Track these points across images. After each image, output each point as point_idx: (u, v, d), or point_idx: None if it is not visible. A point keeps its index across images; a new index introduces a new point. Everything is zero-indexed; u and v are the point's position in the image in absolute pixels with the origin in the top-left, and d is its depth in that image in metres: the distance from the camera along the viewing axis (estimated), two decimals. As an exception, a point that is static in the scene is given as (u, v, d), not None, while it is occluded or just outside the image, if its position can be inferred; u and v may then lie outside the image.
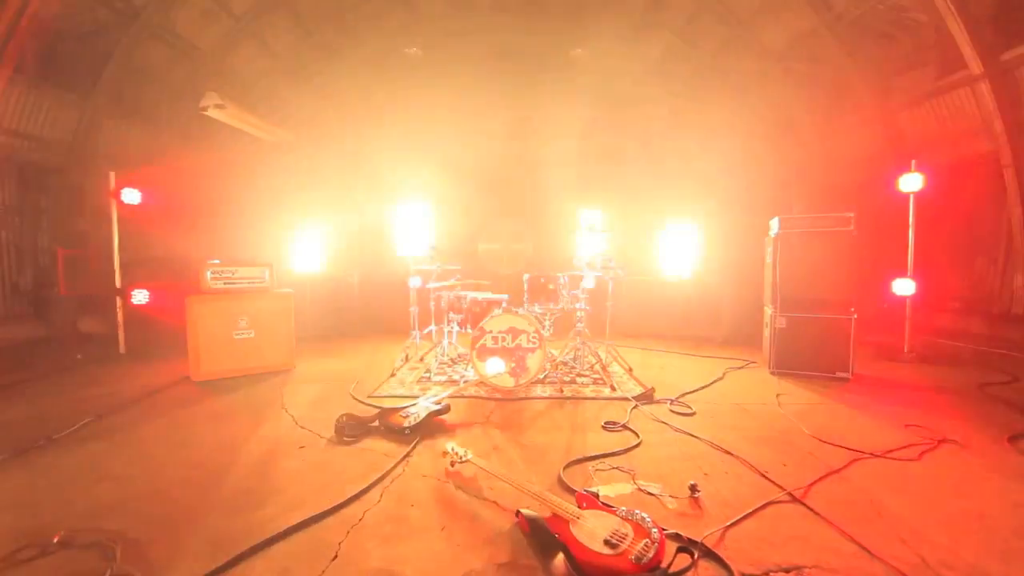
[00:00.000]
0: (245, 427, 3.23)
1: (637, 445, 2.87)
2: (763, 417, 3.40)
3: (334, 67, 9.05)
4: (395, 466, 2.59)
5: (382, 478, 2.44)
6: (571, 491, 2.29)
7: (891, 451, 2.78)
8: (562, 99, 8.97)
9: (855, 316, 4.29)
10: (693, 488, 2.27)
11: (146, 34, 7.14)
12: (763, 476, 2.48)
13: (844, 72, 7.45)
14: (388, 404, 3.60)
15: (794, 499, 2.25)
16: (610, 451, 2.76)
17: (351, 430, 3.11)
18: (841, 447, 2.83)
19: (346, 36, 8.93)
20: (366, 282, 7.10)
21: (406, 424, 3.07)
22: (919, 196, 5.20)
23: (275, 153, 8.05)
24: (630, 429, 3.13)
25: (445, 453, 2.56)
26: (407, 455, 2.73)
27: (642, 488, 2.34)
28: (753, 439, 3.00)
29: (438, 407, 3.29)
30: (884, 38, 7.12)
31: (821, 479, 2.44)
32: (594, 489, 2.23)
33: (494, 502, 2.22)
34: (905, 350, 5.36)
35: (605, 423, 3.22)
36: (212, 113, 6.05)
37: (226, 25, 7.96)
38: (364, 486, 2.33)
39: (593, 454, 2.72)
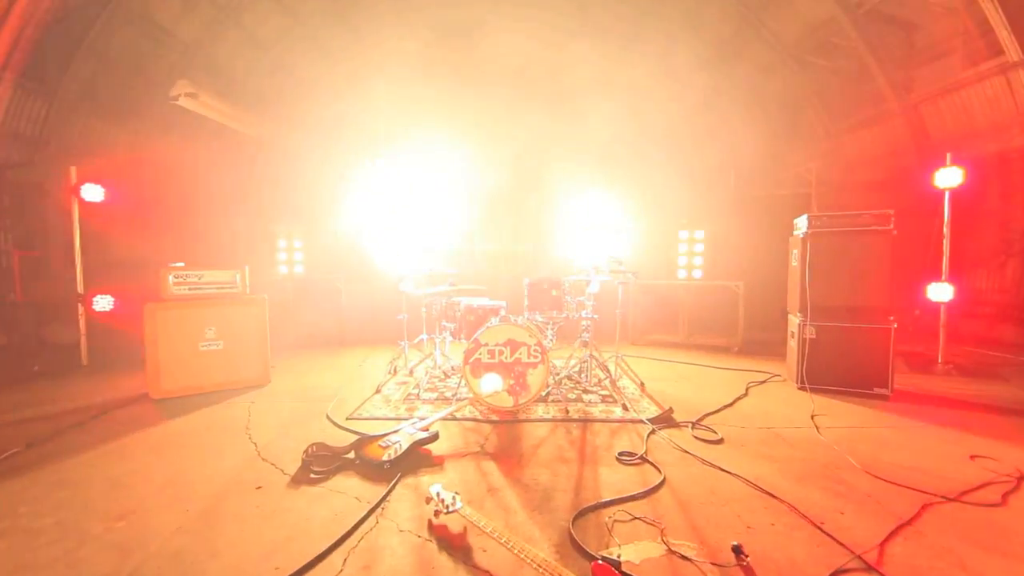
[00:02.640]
0: (198, 459, 2.76)
1: (660, 485, 2.40)
2: (801, 445, 2.93)
3: (324, 61, 8.61)
4: (367, 515, 2.11)
5: (348, 534, 1.96)
6: (585, 554, 1.83)
7: (966, 492, 2.31)
8: (565, 94, 8.54)
9: (895, 325, 3.83)
10: (738, 551, 1.80)
11: (120, 21, 6.69)
12: (819, 529, 2.01)
13: (863, 63, 7.01)
14: (369, 428, 3.14)
15: (868, 567, 1.78)
16: (629, 494, 2.29)
17: (321, 464, 2.64)
18: (904, 487, 2.37)
19: (338, 28, 8.49)
20: (354, 286, 6.63)
21: (385, 457, 2.60)
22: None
23: (258, 149, 7.59)
24: (649, 462, 2.66)
25: (429, 499, 2.09)
26: (383, 499, 2.26)
27: (674, 549, 1.87)
28: (795, 475, 2.53)
29: (424, 435, 2.82)
30: (906, 26, 6.70)
31: (892, 535, 1.97)
32: (614, 553, 1.77)
33: (487, 572, 1.75)
34: (939, 361, 4.92)
35: (620, 454, 2.75)
36: (184, 103, 5.59)
37: (208, 14, 7.51)
38: (324, 547, 1.85)
39: (609, 499, 2.24)
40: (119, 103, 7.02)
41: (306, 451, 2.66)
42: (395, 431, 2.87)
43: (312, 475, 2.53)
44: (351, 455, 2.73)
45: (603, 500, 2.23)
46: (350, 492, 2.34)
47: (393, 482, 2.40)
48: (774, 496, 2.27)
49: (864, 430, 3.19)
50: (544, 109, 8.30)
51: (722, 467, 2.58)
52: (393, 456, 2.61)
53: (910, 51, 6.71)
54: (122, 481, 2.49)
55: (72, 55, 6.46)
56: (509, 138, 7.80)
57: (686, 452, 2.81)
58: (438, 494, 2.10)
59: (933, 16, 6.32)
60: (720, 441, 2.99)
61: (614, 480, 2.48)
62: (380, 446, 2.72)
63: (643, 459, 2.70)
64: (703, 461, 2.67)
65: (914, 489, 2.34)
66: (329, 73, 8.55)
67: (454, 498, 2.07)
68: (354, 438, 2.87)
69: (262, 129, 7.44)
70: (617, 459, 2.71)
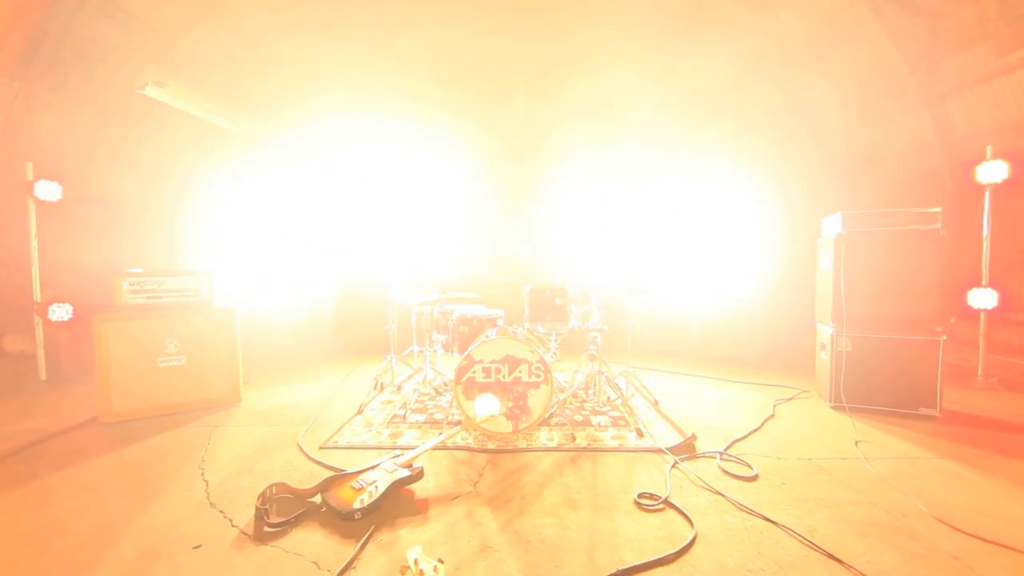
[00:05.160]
0: (135, 503, 2.30)
1: (693, 542, 1.95)
2: (852, 482, 2.48)
3: (314, 54, 8.20)
4: (325, 591, 1.66)
5: (296, 625, 1.51)
6: (607, 658, 1.38)
7: (1073, 552, 1.87)
8: (567, 89, 8.14)
9: (944, 337, 3.39)
10: (812, 653, 1.35)
11: (93, 11, 6.27)
12: (906, 611, 1.57)
13: (884, 54, 6.61)
14: (344, 459, 2.70)
15: (989, 678, 1.33)
16: (655, 557, 1.83)
17: (280, 511, 2.19)
18: (993, 543, 1.92)
19: (332, 23, 8.08)
20: (341, 292, 6.19)
21: (357, 504, 2.15)
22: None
23: (241, 146, 7.16)
24: (675, 507, 2.21)
25: (405, 568, 1.65)
26: (348, 567, 1.80)
27: (724, 648, 1.41)
28: (855, 525, 2.08)
29: (407, 472, 2.37)
30: (932, 14, 6.30)
31: (1005, 621, 1.53)
32: (647, 660, 1.31)
33: None
34: (979, 374, 4.49)
35: (640, 496, 2.30)
36: (152, 92, 5.18)
37: (188, 5, 7.11)
38: (260, 649, 1.40)
39: (632, 563, 1.79)
40: (92, 97, 6.59)
41: (262, 495, 2.20)
42: (372, 467, 2.43)
43: (267, 527, 2.07)
44: (318, 498, 2.29)
45: (625, 567, 1.78)
46: (309, 553, 1.89)
47: (362, 540, 1.95)
48: (838, 560, 1.82)
49: (919, 461, 2.74)
50: (545, 104, 7.90)
51: (766, 516, 2.12)
52: (366, 502, 2.15)
53: (935, 41, 6.30)
54: (35, 536, 2.03)
55: (40, 44, 6.04)
56: (508, 135, 7.37)
57: (718, 493, 2.35)
58: (416, 562, 1.65)
59: (960, 3, 5.92)
60: (755, 477, 2.54)
61: (634, 533, 2.02)
62: (352, 488, 2.27)
63: (667, 504, 2.25)
64: (741, 507, 2.21)
65: (1007, 547, 1.89)
66: (321, 69, 8.13)
67: (436, 568, 1.63)
68: (322, 479, 2.42)
69: (247, 125, 7.01)
70: (636, 503, 2.26)
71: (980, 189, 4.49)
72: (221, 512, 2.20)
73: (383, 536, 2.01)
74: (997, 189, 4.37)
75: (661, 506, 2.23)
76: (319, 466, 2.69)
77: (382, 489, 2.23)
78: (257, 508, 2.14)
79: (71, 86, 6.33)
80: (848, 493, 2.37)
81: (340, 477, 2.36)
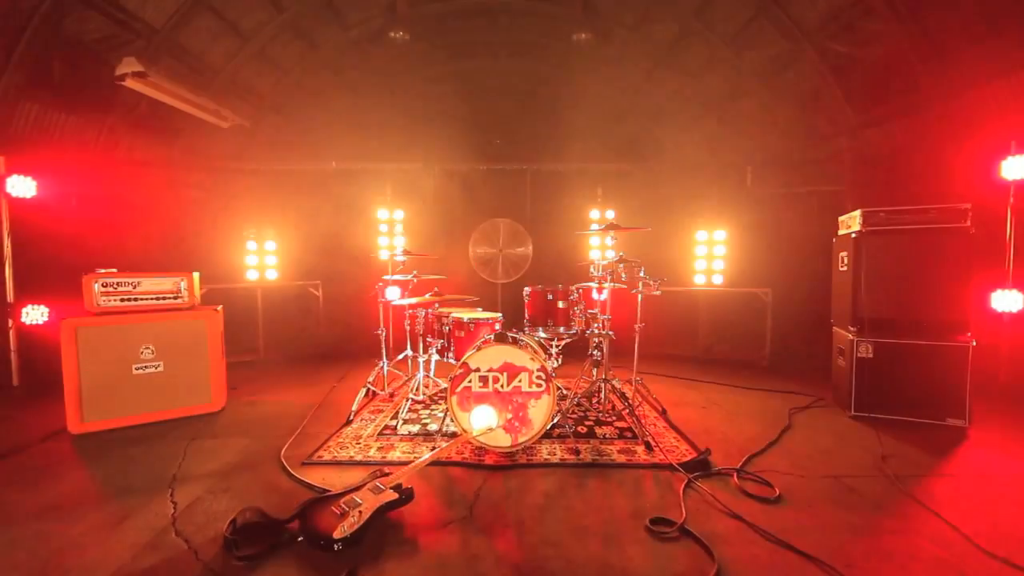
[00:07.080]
0: (92, 528, 2.07)
1: (716, 579, 1.72)
2: (885, 504, 2.26)
3: (310, 51, 7.98)
4: (295, 644, 1.44)
5: None
6: None
7: None
8: (568, 84, 7.92)
9: (973, 343, 3.17)
10: None
11: (78, 1, 6.04)
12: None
13: (896, 48, 6.37)
14: (330, 477, 2.47)
15: None
16: (676, 599, 1.61)
17: (252, 540, 1.96)
18: (1057, 582, 1.70)
19: (325, 16, 7.85)
20: (333, 295, 5.97)
21: (338, 533, 1.92)
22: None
23: (231, 142, 6.92)
24: (693, 536, 1.99)
25: (387, 616, 1.42)
26: (323, 612, 1.58)
27: None
28: (897, 559, 1.85)
29: (396, 495, 2.14)
30: (946, 6, 6.07)
31: None
32: None
33: None
34: (998, 380, 4.27)
35: (652, 522, 2.07)
36: (132, 84, 4.94)
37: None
38: None
39: (648, 609, 1.57)
40: (75, 90, 6.34)
41: (232, 523, 1.98)
42: (357, 488, 2.20)
43: (236, 560, 1.85)
44: (295, 523, 2.06)
45: (640, 613, 1.55)
46: (280, 594, 1.66)
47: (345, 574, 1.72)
48: (884, 603, 1.60)
49: (957, 480, 2.52)
50: (548, 108, 7.68)
51: (797, 548, 1.90)
52: (347, 531, 1.92)
53: (950, 33, 6.07)
54: (-28, 571, 1.81)
55: (21, 35, 5.80)
56: (507, 131, 7.15)
57: (738, 518, 2.13)
58: (401, 609, 1.43)
59: (977, -7, 5.69)
60: (778, 499, 2.31)
61: (648, 568, 1.80)
62: (335, 511, 2.04)
63: (684, 531, 2.02)
64: (766, 536, 1.99)
65: (1074, 587, 1.67)
66: (316, 65, 7.90)
67: (423, 617, 1.40)
68: (307, 494, 2.20)
69: (238, 121, 6.77)
70: (648, 530, 2.04)
71: (1002, 185, 4.28)
72: (186, 541, 1.97)
73: (365, 573, 1.78)
74: (1021, 186, 4.16)
75: (676, 534, 2.01)
76: (301, 485, 2.46)
77: (367, 515, 2.01)
78: (226, 538, 1.91)
79: (51, 78, 6.09)
80: (883, 518, 2.14)
81: (321, 500, 2.13)
